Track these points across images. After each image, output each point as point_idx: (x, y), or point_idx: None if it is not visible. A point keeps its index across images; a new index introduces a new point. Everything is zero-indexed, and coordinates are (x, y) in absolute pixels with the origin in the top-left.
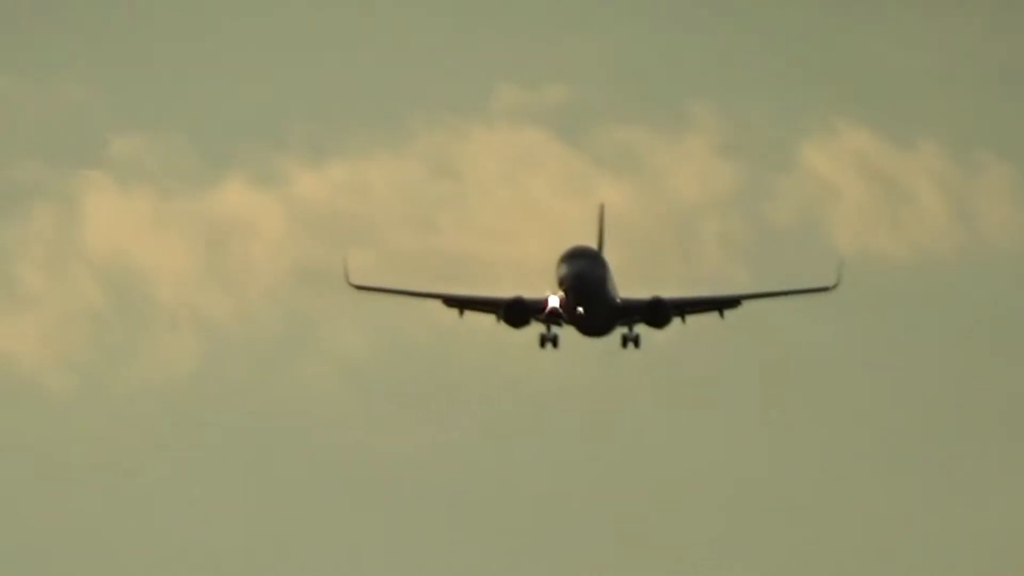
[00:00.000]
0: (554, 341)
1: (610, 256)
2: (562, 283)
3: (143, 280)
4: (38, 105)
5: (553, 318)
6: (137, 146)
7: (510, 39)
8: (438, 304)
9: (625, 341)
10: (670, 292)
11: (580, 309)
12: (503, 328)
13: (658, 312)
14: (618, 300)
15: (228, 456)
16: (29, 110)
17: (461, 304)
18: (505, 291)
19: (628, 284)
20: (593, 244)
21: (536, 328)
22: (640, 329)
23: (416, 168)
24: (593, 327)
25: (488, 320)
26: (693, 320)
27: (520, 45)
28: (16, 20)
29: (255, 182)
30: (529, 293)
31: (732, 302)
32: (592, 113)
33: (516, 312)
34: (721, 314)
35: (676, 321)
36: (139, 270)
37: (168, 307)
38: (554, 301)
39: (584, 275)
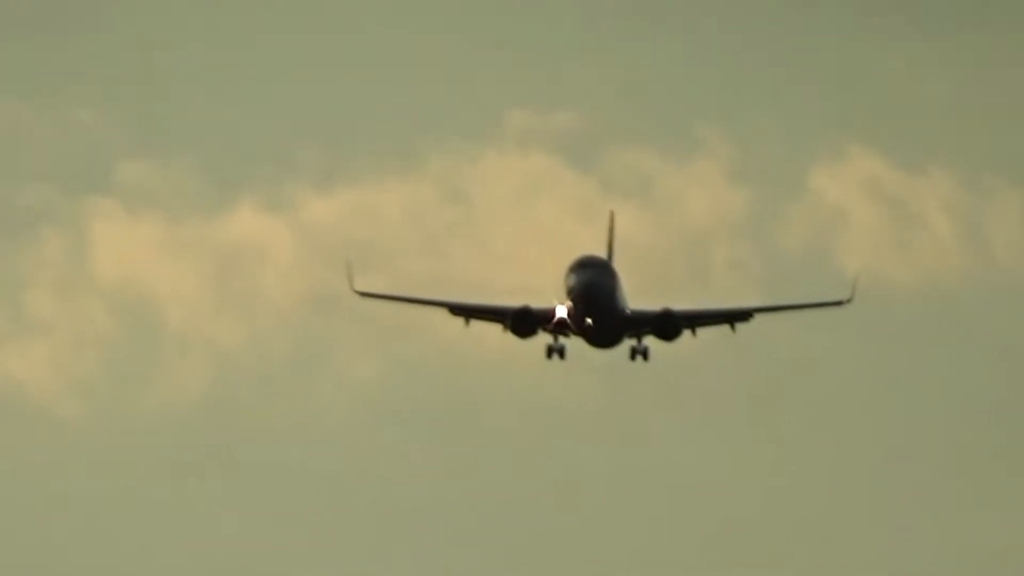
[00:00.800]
0: (561, 352)
1: (622, 278)
2: (570, 293)
3: (155, 306)
4: (47, 131)
5: (560, 328)
6: (147, 172)
7: (520, 65)
8: (444, 314)
9: (634, 353)
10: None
11: (589, 320)
12: (509, 338)
13: (668, 324)
14: (627, 311)
15: (242, 478)
16: (39, 136)
17: (467, 312)
18: (512, 301)
19: (640, 304)
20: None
21: (543, 338)
22: (649, 341)
23: (427, 193)
24: (601, 338)
25: (494, 330)
26: (703, 333)
27: (530, 71)
28: (27, 46)
29: (267, 207)
30: (537, 303)
31: (743, 315)
32: (603, 138)
33: (523, 322)
34: (732, 327)
35: (686, 334)
36: (150, 296)
37: (179, 332)
38: (561, 311)
39: (593, 285)
